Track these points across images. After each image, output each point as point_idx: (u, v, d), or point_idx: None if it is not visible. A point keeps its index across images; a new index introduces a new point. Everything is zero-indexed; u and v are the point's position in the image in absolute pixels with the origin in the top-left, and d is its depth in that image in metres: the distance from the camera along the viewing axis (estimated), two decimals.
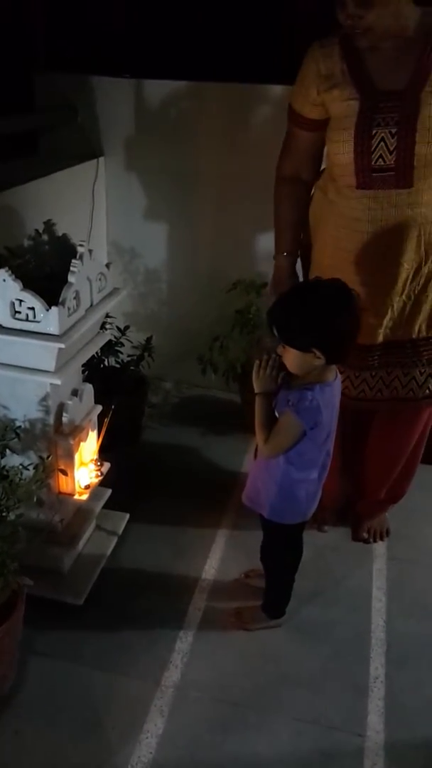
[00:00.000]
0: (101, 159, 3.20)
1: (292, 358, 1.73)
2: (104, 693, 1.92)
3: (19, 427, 1.90)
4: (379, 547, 2.55)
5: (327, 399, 1.75)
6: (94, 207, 3.21)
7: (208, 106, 3.05)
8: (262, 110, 3.00)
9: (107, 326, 2.87)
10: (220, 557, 2.46)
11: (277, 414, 1.81)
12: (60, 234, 2.08)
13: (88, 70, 3.08)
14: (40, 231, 2.07)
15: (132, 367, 3.07)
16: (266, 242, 3.20)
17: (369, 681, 2.01)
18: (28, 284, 1.79)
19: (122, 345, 3.00)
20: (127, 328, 3.03)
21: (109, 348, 2.95)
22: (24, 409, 1.99)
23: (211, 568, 2.40)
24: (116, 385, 2.92)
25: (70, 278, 1.81)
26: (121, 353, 3.02)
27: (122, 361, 3.04)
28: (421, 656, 2.10)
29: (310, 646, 2.11)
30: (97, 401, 2.29)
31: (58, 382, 1.88)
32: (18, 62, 3.12)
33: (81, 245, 1.89)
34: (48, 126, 3.18)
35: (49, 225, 2.07)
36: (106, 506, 2.44)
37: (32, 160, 3.12)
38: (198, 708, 1.90)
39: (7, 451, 1.91)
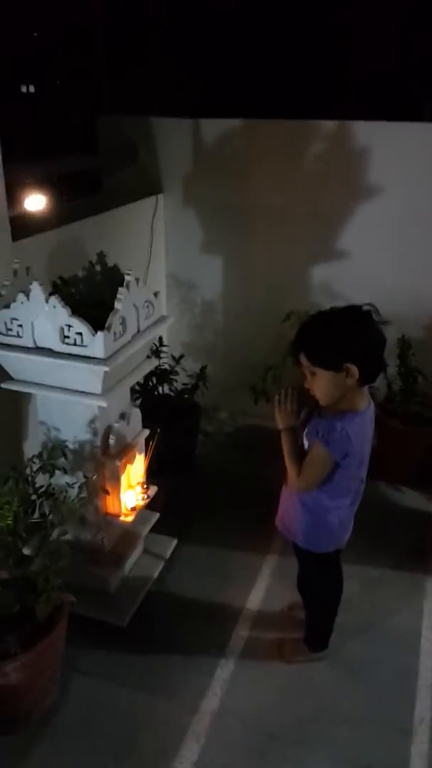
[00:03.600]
0: (160, 195, 3.34)
1: (323, 385, 1.69)
2: (142, 715, 1.93)
3: (67, 447, 1.97)
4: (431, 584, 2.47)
5: (357, 428, 1.72)
6: (152, 241, 3.33)
7: (262, 143, 3.14)
8: (314, 146, 3.06)
9: (162, 355, 2.97)
10: (265, 587, 2.44)
11: (306, 444, 1.79)
12: (112, 265, 2.17)
13: (148, 112, 3.24)
14: (93, 262, 2.17)
15: (186, 395, 3.13)
16: (319, 274, 3.25)
17: (414, 723, 1.93)
18: (80, 311, 1.88)
19: (177, 373, 3.07)
20: (181, 357, 3.11)
21: (164, 376, 3.02)
22: (73, 430, 2.07)
23: (256, 598, 2.39)
24: (169, 412, 2.99)
25: (117, 305, 1.89)
26: (176, 381, 3.09)
27: (176, 389, 3.10)
28: None
29: (353, 683, 2.05)
30: (148, 427, 2.34)
31: (104, 404, 1.95)
32: (84, 106, 3.32)
33: (128, 274, 1.97)
34: (111, 165, 3.35)
35: (101, 256, 2.17)
36: (154, 530, 2.48)
37: (96, 197, 3.29)
38: (234, 737, 1.87)
39: (57, 471, 1.99)
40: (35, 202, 2.93)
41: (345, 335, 1.66)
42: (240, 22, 3.20)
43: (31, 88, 3.22)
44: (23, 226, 2.33)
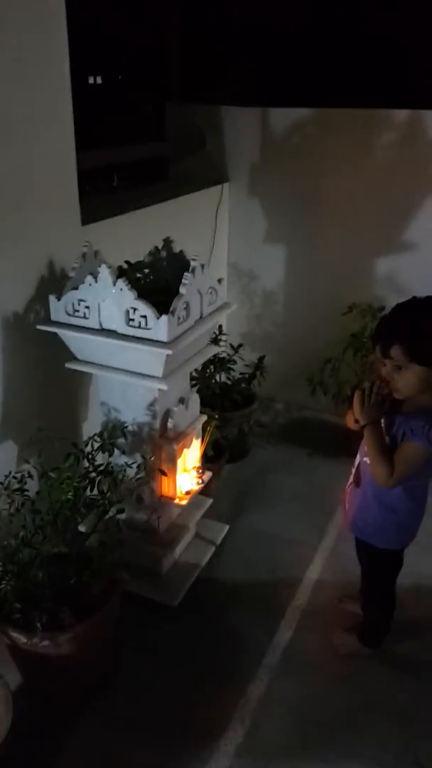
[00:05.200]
0: (226, 184, 3.34)
1: (412, 380, 1.65)
2: (189, 695, 1.96)
3: (127, 428, 2.01)
4: None
5: None
6: (216, 229, 3.35)
7: (331, 132, 3.10)
8: (385, 135, 3.00)
9: (221, 343, 2.98)
10: (316, 578, 2.43)
11: (387, 440, 1.75)
12: (177, 251, 2.20)
13: (218, 101, 3.25)
14: (159, 248, 2.20)
15: (243, 385, 3.14)
16: (384, 266, 3.19)
17: None
18: (145, 295, 1.91)
19: (235, 362, 3.08)
20: (240, 346, 3.11)
21: (222, 364, 3.04)
22: (133, 412, 2.11)
23: (306, 589, 2.38)
24: (226, 400, 3.01)
25: (181, 290, 1.91)
26: (233, 370, 3.10)
27: (233, 377, 3.12)
28: None
29: (404, 678, 2.03)
30: (205, 413, 2.37)
31: (165, 387, 1.98)
32: (153, 94, 3.35)
33: (194, 260, 1.99)
34: (179, 153, 3.37)
35: (167, 242, 2.20)
36: (207, 516, 2.51)
37: (163, 185, 3.32)
38: (280, 723, 1.88)
39: (116, 451, 2.03)
40: (105, 188, 2.98)
41: None
42: (311, 8, 3.16)
43: (101, 78, 3.26)
44: (92, 212, 2.37)
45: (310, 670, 2.06)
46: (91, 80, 3.41)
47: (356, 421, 1.77)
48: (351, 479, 1.96)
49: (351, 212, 3.18)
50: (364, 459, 1.84)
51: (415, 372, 1.64)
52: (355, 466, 1.93)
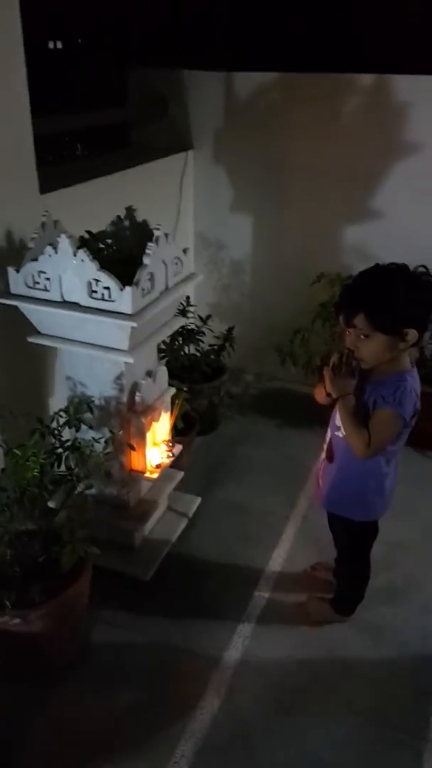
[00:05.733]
0: (190, 152, 3.27)
1: (377, 348, 1.62)
2: (164, 667, 1.96)
3: (93, 402, 1.97)
4: None
5: (417, 385, 1.69)
6: (181, 198, 3.28)
7: (297, 98, 3.04)
8: (352, 100, 2.95)
9: (189, 315, 2.94)
10: (288, 548, 2.44)
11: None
12: (141, 220, 2.14)
13: (179, 65, 3.16)
14: (122, 217, 2.14)
15: (212, 356, 3.11)
16: (351, 235, 3.17)
17: None
18: (108, 266, 1.85)
19: (203, 334, 3.05)
20: (209, 317, 3.08)
21: (190, 336, 3.00)
22: (100, 386, 2.07)
23: (278, 557, 2.40)
24: (195, 372, 2.98)
25: (145, 260, 1.86)
26: (202, 342, 3.07)
27: (202, 349, 3.08)
28: None
29: (375, 643, 2.06)
30: (174, 386, 2.34)
31: (131, 360, 1.94)
32: (113, 58, 3.24)
33: (157, 229, 1.94)
34: (140, 119, 3.28)
35: (130, 211, 2.14)
36: (179, 489, 2.50)
37: (125, 152, 3.23)
38: (255, 691, 1.90)
39: (83, 426, 1.99)
40: (64, 155, 2.88)
41: (409, 300, 1.57)
42: None
43: (61, 42, 3.15)
44: (52, 180, 2.29)
45: (284, 637, 2.08)
46: (51, 45, 3.29)
47: (328, 395, 1.76)
48: (323, 455, 1.94)
49: (318, 180, 3.13)
50: (336, 433, 1.83)
51: (380, 340, 1.61)
52: (327, 442, 1.92)
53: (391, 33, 2.94)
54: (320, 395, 1.81)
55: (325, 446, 1.93)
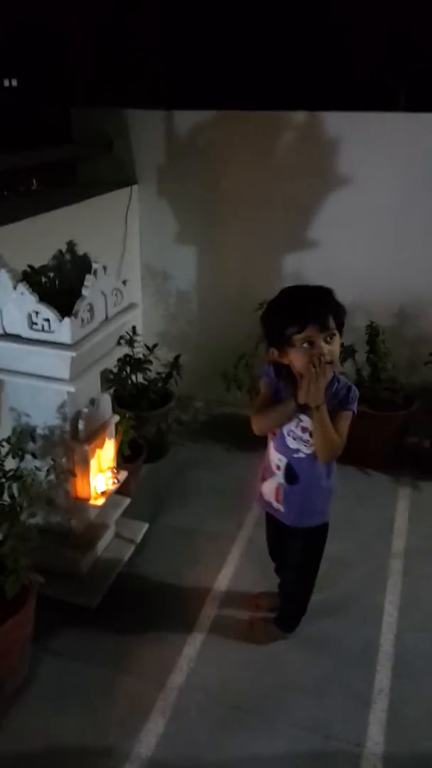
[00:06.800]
0: (135, 186, 3.37)
1: (338, 347, 1.76)
2: (110, 691, 1.99)
3: (35, 430, 2.02)
4: (395, 563, 2.54)
5: None
6: (127, 231, 3.37)
7: (234, 134, 3.19)
8: (286, 136, 3.11)
9: (135, 344, 3.01)
10: (234, 569, 2.50)
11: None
12: (82, 254, 2.21)
13: (122, 104, 3.27)
14: (63, 251, 2.21)
15: (159, 384, 3.18)
16: (291, 263, 3.30)
17: (373, 693, 2.00)
18: (49, 299, 1.92)
19: (150, 362, 3.11)
20: (155, 346, 3.15)
21: (138, 365, 3.07)
22: (43, 416, 2.11)
23: (224, 579, 2.45)
24: (143, 400, 3.04)
25: (84, 291, 1.94)
26: (150, 370, 3.13)
27: (150, 377, 3.15)
28: (429, 671, 2.08)
29: (317, 657, 2.13)
30: (120, 414, 2.39)
31: (72, 389, 2.00)
32: (58, 96, 3.34)
33: (95, 262, 2.02)
34: (85, 156, 3.38)
35: (71, 245, 2.21)
36: (126, 515, 2.54)
37: (70, 188, 3.32)
38: (200, 710, 1.94)
39: (28, 456, 2.03)
40: (11, 191, 2.95)
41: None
42: (212, 15, 3.23)
43: (8, 81, 3.23)
44: None
45: (228, 656, 2.12)
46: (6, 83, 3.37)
47: (299, 407, 1.79)
48: (280, 481, 1.96)
49: (257, 212, 3.27)
50: (296, 456, 1.88)
51: (338, 340, 1.76)
52: (281, 467, 1.94)
53: (321, 72, 3.11)
54: (270, 418, 1.88)
55: (277, 471, 1.96)
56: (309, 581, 2.12)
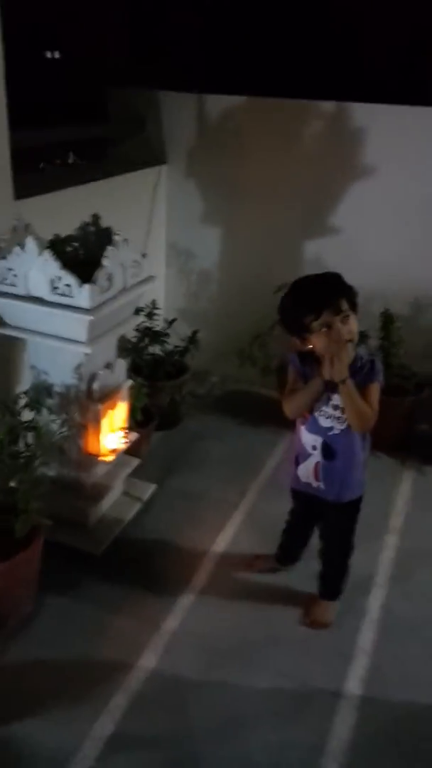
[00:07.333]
0: (164, 166, 3.50)
1: (355, 326, 1.89)
2: (107, 630, 2.16)
3: (52, 387, 2.17)
4: (391, 538, 2.66)
5: None
6: (154, 209, 3.51)
7: (263, 121, 3.29)
8: (313, 124, 3.20)
9: (155, 317, 3.16)
10: (233, 533, 2.64)
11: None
12: (105, 227, 2.35)
13: (157, 86, 3.40)
14: (88, 223, 2.36)
15: (176, 357, 3.32)
16: (310, 248, 3.40)
17: (355, 650, 2.13)
18: (72, 267, 2.07)
19: (168, 335, 3.26)
20: (174, 320, 3.30)
21: (156, 337, 3.22)
22: (61, 375, 2.27)
23: (223, 541, 2.59)
24: (158, 370, 3.19)
25: (104, 261, 2.08)
26: (167, 343, 3.28)
27: (167, 350, 3.29)
28: (411, 636, 2.20)
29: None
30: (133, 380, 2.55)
31: (89, 351, 2.15)
32: (97, 78, 3.48)
33: (118, 235, 2.16)
34: (119, 135, 3.51)
35: (95, 218, 2.36)
36: (136, 476, 2.70)
37: (102, 164, 3.46)
38: (188, 653, 2.09)
39: (45, 411, 2.20)
40: (43, 164, 3.11)
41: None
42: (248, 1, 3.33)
43: (53, 55, 3.38)
44: (28, 187, 2.50)
45: (221, 610, 2.27)
46: (49, 55, 3.51)
47: (327, 383, 1.92)
48: (318, 459, 2.05)
49: (280, 197, 3.38)
50: (331, 433, 2.00)
51: (353, 319, 1.89)
52: (318, 447, 2.04)
53: (350, 65, 3.19)
54: (301, 399, 2.00)
55: (313, 451, 2.06)
56: (351, 548, 2.21)
